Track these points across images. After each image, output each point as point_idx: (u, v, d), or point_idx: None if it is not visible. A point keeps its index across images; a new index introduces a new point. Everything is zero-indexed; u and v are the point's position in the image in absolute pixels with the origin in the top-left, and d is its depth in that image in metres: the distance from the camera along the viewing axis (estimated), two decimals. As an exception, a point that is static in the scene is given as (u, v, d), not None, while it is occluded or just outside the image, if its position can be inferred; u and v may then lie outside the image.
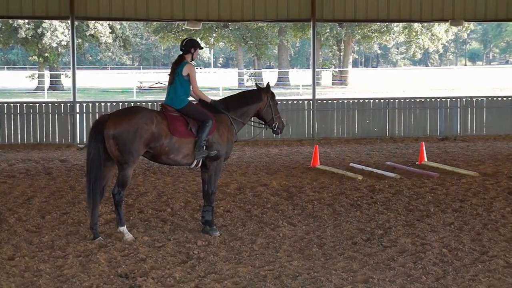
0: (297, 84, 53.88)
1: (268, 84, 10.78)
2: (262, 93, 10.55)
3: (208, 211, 10.05)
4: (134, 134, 9.38)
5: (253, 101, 10.46)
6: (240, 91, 11.29)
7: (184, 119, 9.87)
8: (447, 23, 24.36)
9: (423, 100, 23.39)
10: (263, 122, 10.77)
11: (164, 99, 10.30)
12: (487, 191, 13.06)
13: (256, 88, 10.71)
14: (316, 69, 24.85)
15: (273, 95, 10.69)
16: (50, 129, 20.93)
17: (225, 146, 10.13)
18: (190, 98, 10.12)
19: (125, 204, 11.46)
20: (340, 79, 59.06)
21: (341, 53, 59.67)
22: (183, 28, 50.93)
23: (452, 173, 15.16)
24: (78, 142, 20.85)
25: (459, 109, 22.82)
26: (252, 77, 60.14)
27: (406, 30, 54.61)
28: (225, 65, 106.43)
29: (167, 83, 10.26)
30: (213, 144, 9.98)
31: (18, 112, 20.79)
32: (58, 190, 13.37)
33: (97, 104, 21.53)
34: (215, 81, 56.14)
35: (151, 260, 8.58)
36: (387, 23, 49.70)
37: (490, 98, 23.51)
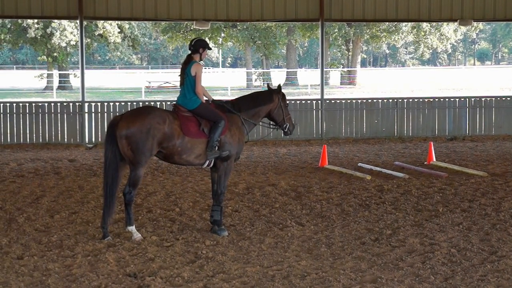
0: (305, 84, 53.83)
1: (279, 85, 10.78)
2: (274, 94, 10.56)
3: (217, 211, 10.06)
4: (147, 134, 9.39)
5: (265, 102, 10.47)
6: (251, 91, 11.26)
7: (196, 120, 9.87)
8: (456, 23, 24.26)
9: (431, 100, 23.36)
10: (273, 123, 10.79)
11: (174, 99, 10.29)
12: (496, 191, 13.03)
13: (267, 89, 10.70)
14: (325, 69, 24.81)
15: (284, 96, 10.69)
16: (59, 128, 20.95)
17: (236, 147, 10.14)
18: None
19: (134, 204, 11.46)
20: (348, 79, 58.98)
21: (350, 53, 59.58)
22: (192, 28, 50.87)
23: (460, 173, 15.13)
24: (86, 141, 20.89)
25: (467, 109, 22.76)
26: (261, 77, 60.10)
27: (415, 29, 54.51)
28: (234, 65, 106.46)
29: (176, 83, 10.29)
30: (225, 145, 9.99)
31: (27, 111, 20.83)
32: (67, 190, 13.41)
33: (105, 103, 21.55)
34: (223, 81, 56.11)
35: (159, 260, 8.60)
36: (395, 23, 49.59)
37: (499, 98, 23.42)
